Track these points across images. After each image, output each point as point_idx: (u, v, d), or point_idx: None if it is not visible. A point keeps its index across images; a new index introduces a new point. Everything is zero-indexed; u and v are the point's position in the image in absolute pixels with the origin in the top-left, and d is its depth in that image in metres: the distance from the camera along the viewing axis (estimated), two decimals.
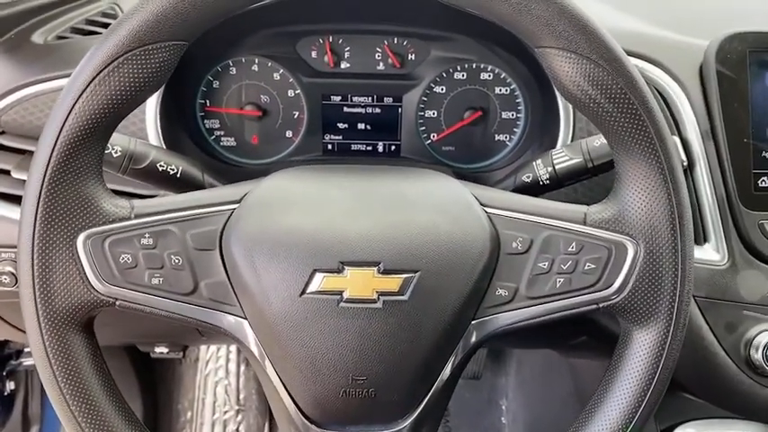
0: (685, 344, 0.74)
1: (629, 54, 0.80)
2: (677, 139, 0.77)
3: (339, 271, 0.55)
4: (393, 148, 0.93)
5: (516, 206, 0.60)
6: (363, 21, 0.87)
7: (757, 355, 0.71)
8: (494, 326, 0.59)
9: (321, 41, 0.89)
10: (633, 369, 0.58)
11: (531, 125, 0.91)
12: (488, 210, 0.60)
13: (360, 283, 0.55)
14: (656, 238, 0.57)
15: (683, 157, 0.77)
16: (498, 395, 1.56)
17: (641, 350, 0.58)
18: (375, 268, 0.55)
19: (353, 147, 0.92)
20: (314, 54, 0.89)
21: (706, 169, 0.76)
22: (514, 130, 0.92)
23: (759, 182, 0.74)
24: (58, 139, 0.53)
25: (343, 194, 0.59)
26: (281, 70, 0.89)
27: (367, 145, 0.92)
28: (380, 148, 0.92)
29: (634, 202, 0.57)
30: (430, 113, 0.91)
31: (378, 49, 0.89)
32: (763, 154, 0.75)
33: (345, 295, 0.55)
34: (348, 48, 0.89)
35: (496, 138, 0.92)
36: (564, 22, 0.54)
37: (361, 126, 0.91)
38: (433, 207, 0.59)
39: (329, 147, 0.92)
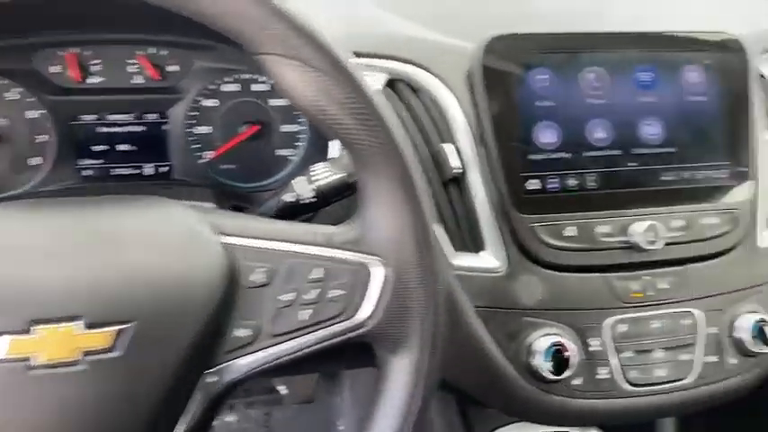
0: (469, 356, 0.72)
1: (397, 59, 0.78)
2: (452, 146, 0.75)
3: (26, 331, 0.45)
4: (165, 169, 0.83)
5: (257, 233, 0.53)
6: (107, 29, 0.77)
7: (536, 362, 0.70)
8: (236, 372, 0.51)
9: (61, 54, 0.77)
10: (392, 401, 0.53)
11: (317, 138, 0.85)
12: (225, 239, 0.52)
13: (56, 344, 0.45)
14: (402, 257, 0.52)
15: (458, 164, 0.74)
16: (335, 416, 1.50)
17: (397, 380, 0.53)
18: (76, 323, 0.46)
19: (114, 171, 0.82)
20: (55, 69, 0.78)
21: (479, 175, 0.74)
22: (297, 144, 0.86)
23: (527, 185, 0.73)
24: None
25: (40, 236, 0.49)
26: (20, 88, 0.77)
27: (133, 168, 0.82)
28: (148, 171, 0.83)
29: (376, 219, 0.53)
30: (202, 129, 0.83)
31: (131, 60, 0.79)
32: (529, 156, 0.74)
33: (36, 361, 0.45)
34: (97, 60, 0.79)
35: (278, 153, 0.86)
36: (283, 25, 0.48)
37: (122, 147, 0.81)
38: (151, 243, 0.50)
39: (87, 173, 0.81)
